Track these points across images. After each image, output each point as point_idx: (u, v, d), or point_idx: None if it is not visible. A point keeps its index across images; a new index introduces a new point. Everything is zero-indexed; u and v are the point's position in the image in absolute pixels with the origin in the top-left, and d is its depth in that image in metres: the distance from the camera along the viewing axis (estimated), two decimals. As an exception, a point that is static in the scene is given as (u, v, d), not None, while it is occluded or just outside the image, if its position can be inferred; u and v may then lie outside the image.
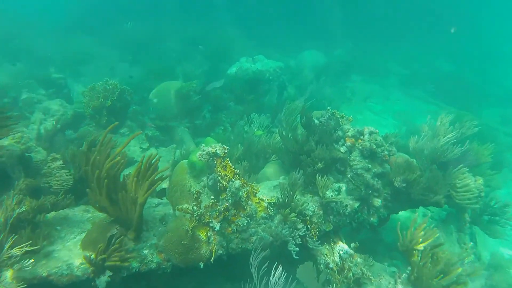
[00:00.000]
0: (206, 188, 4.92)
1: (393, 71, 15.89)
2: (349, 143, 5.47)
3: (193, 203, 4.38)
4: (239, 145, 7.23)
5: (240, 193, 4.38)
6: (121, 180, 4.23)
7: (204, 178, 5.26)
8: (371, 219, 5.25)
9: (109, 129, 4.33)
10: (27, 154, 5.34)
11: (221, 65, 12.81)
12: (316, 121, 6.46)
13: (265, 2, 16.51)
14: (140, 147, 7.66)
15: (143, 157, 4.30)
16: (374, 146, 5.15)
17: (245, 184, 4.55)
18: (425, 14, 17.11)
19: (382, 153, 5.21)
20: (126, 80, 9.70)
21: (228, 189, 4.37)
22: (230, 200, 4.39)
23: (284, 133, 6.38)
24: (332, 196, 5.03)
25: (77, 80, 12.43)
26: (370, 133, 5.34)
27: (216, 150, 4.49)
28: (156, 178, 4.20)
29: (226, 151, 4.55)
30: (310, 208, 4.84)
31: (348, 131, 5.58)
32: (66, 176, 4.92)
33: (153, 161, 4.24)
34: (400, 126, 11.81)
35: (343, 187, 5.45)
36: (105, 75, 12.07)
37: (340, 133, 5.72)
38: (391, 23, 16.34)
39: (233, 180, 4.47)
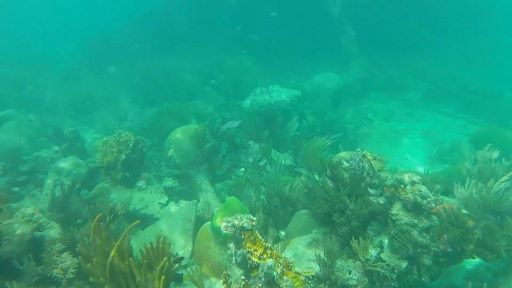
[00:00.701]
0: (234, 262, 4.41)
1: (413, 85, 15.22)
2: (388, 193, 4.89)
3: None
4: (262, 195, 6.76)
5: (274, 273, 3.85)
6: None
7: (231, 245, 4.76)
8: (422, 279, 4.62)
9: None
10: (38, 234, 4.96)
11: (235, 99, 12.47)
12: (345, 164, 5.94)
13: (276, 25, 16.20)
14: (159, 203, 7.23)
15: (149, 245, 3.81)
16: (419, 199, 4.55)
17: (278, 260, 4.02)
18: (442, 24, 16.39)
19: (429, 205, 4.59)
20: (139, 130, 9.37)
21: (260, 269, 3.85)
22: (263, 279, 3.86)
23: (310, 185, 5.87)
24: (374, 257, 4.47)
25: (91, 126, 12.26)
26: (412, 183, 4.74)
27: (243, 223, 4.01)
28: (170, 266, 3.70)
29: (254, 223, 4.06)
30: (353, 277, 4.28)
31: (386, 180, 5.00)
32: (70, 262, 4.43)
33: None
34: (430, 148, 11.12)
35: (385, 240, 4.86)
36: (118, 119, 11.96)
37: (376, 181, 5.16)
38: (407, 35, 15.78)
39: (264, 256, 3.96)
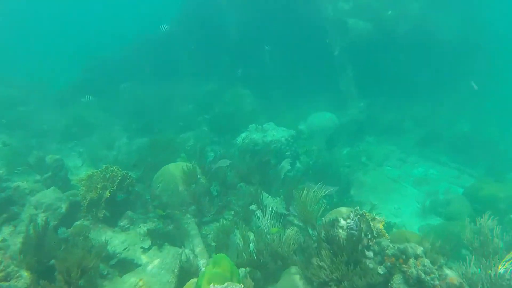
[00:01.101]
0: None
1: (408, 129, 15.25)
2: (388, 264, 4.57)
3: None
4: (251, 243, 6.40)
5: None
6: None
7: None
8: None
9: None
10: (4, 285, 4.49)
11: (229, 133, 12.23)
12: (342, 222, 5.65)
13: (275, 62, 16.23)
14: (141, 247, 6.76)
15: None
16: (423, 275, 4.24)
17: None
18: (441, 68, 16.59)
19: (432, 282, 4.27)
20: (127, 160, 9.01)
21: None
22: None
23: (303, 243, 5.57)
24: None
25: (78, 153, 11.81)
26: (416, 256, 4.43)
27: (231, 295, 3.64)
28: None
29: (242, 294, 3.70)
30: None
31: (387, 249, 4.70)
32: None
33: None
34: (424, 198, 10.93)
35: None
36: (107, 148, 11.57)
37: (376, 247, 4.86)
38: (406, 79, 15.84)
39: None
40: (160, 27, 14.27)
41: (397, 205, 10.87)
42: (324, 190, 7.17)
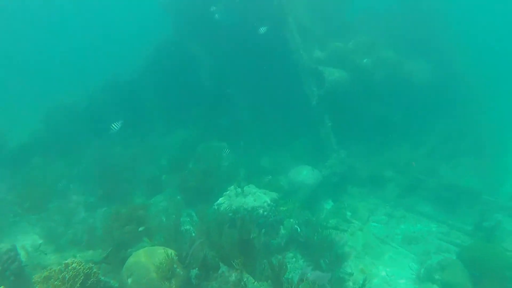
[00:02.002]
0: None
1: (390, 178, 14.79)
2: None
3: None
4: None
5: None
6: None
7: None
8: None
9: None
10: None
11: (205, 199, 11.27)
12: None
13: (251, 110, 15.68)
14: None
15: None
16: None
17: None
18: (416, 112, 16.61)
19: None
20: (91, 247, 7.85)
21: None
22: None
23: None
24: None
25: (35, 227, 10.42)
26: None
27: None
28: None
29: None
30: None
31: None
32: None
33: None
34: (416, 261, 10.32)
35: None
36: (65, 222, 10.28)
37: None
38: (383, 125, 15.70)
39: None
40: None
41: (389, 269, 10.19)
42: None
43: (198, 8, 16.04)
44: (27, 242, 9.39)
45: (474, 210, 12.72)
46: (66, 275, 6.35)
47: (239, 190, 10.55)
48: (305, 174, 12.79)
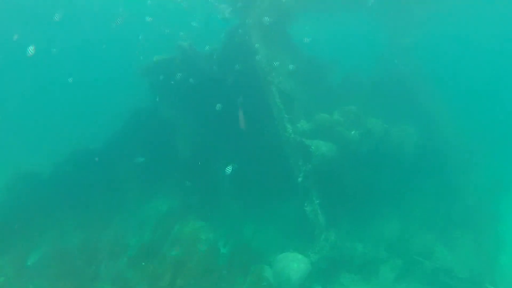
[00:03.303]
0: None
1: (385, 260, 13.65)
2: None
3: None
4: None
5: None
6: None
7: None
8: None
9: None
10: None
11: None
12: None
13: (234, 187, 14.61)
14: None
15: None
16: None
17: None
18: (404, 182, 15.83)
19: None
20: None
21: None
22: None
23: None
24: None
25: None
26: None
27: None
28: None
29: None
30: None
31: None
32: None
33: None
34: None
35: None
36: None
37: None
38: (372, 198, 14.71)
39: None
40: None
41: None
42: None
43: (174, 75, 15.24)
44: None
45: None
46: None
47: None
48: (293, 268, 11.42)
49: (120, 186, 16.08)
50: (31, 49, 10.62)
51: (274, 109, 14.32)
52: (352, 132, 14.27)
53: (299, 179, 13.31)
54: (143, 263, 11.58)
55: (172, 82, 15.15)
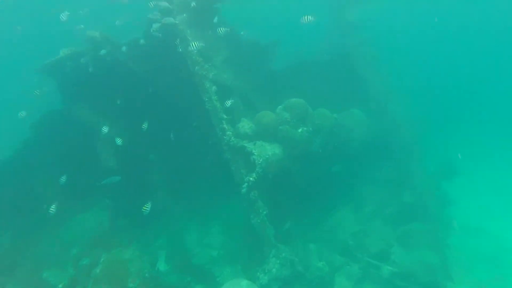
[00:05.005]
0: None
1: (341, 266, 12.76)
2: None
3: None
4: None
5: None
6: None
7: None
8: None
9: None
10: None
11: None
12: None
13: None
14: None
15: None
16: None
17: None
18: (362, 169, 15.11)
19: None
20: None
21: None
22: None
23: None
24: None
25: None
26: None
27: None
28: None
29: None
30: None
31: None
32: None
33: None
34: None
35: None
36: None
37: None
38: (327, 203, 13.74)
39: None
40: None
41: None
42: None
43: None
44: None
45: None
46: None
47: None
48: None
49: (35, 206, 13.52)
50: None
51: (210, 109, 12.32)
52: (299, 130, 12.74)
53: (243, 190, 11.60)
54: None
55: (84, 79, 12.53)
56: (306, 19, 10.93)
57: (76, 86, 13.27)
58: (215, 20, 13.06)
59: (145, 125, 11.84)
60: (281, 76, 16.47)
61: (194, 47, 11.71)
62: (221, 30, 12.45)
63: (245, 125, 12.47)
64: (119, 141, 11.95)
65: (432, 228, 15.13)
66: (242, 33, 14.25)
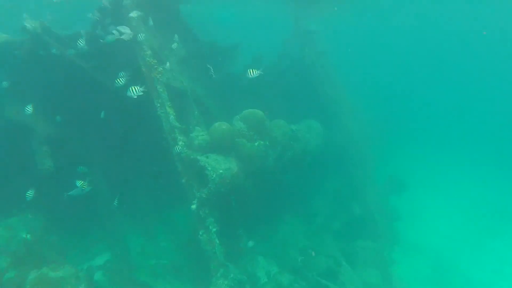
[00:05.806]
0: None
1: (290, 285, 12.48)
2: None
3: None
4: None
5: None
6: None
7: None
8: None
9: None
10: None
11: None
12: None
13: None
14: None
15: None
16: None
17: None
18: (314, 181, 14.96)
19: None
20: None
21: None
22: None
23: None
24: None
25: None
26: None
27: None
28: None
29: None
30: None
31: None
32: None
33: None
34: None
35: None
36: None
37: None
38: (279, 217, 13.47)
39: None
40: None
41: None
42: None
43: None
44: None
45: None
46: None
47: None
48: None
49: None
50: None
51: (162, 115, 11.45)
52: (256, 144, 12.25)
53: (193, 206, 10.92)
54: None
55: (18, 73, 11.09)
56: (252, 73, 10.46)
57: (8, 80, 11.70)
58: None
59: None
60: (240, 81, 15.84)
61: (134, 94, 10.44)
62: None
63: (199, 136, 11.71)
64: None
65: (378, 245, 15.47)
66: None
